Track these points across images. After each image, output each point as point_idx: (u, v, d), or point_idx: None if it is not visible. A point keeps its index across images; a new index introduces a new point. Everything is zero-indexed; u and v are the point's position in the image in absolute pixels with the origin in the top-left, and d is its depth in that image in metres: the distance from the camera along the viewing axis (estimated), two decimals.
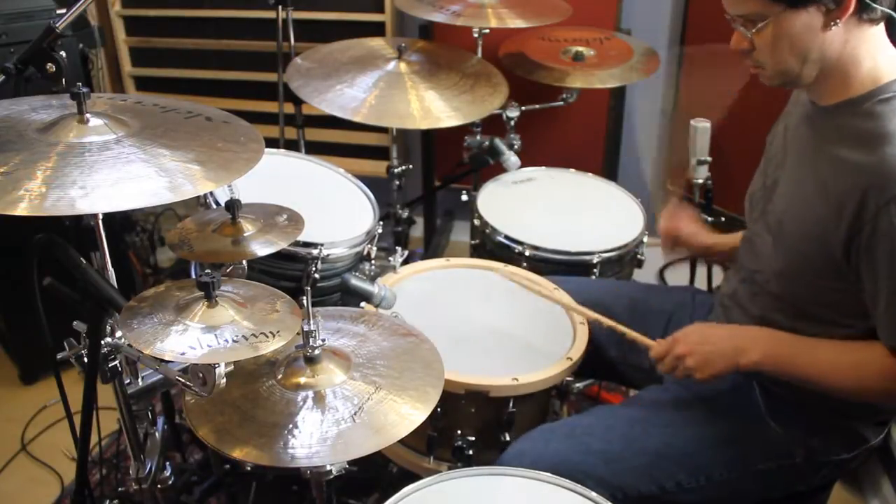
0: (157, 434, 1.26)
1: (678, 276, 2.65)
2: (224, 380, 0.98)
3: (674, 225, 1.61)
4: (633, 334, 1.39)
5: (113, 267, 1.14)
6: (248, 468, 1.10)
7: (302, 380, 1.17)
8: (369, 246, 1.73)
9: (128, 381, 1.18)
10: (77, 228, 1.11)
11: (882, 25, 1.14)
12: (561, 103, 2.32)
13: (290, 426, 1.10)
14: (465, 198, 2.12)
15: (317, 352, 1.17)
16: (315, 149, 2.58)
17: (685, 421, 1.34)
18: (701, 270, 2.23)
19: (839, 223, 1.13)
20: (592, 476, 1.24)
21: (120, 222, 2.70)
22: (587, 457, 1.27)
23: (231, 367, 0.99)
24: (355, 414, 1.11)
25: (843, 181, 1.13)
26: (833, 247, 1.16)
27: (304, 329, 1.14)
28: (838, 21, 1.10)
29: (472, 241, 2.04)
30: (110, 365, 1.11)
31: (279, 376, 1.19)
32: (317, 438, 1.08)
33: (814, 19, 1.11)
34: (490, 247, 1.92)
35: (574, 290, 1.59)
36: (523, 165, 2.19)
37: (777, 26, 1.13)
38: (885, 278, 1.11)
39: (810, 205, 1.19)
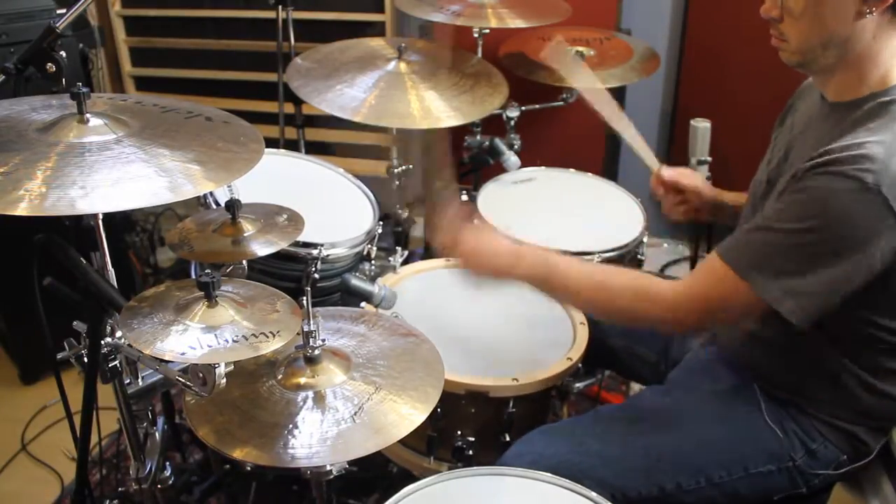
0: (157, 434, 1.26)
1: (678, 276, 2.65)
2: (224, 380, 0.98)
3: (675, 177, 1.58)
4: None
5: (113, 267, 1.14)
6: (248, 468, 1.10)
7: (302, 380, 1.17)
8: (369, 246, 1.73)
9: (128, 381, 1.17)
10: (77, 228, 1.10)
11: None
12: (561, 103, 2.32)
13: (290, 426, 1.10)
14: (465, 198, 2.12)
15: (317, 352, 1.17)
16: (315, 149, 2.58)
17: (685, 422, 1.33)
18: None
19: None
20: (592, 477, 1.23)
21: (120, 222, 2.70)
22: (586, 458, 1.27)
23: (231, 367, 0.99)
24: (355, 414, 1.11)
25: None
26: None
27: (304, 329, 1.14)
28: (873, 10, 1.09)
29: None
30: (110, 365, 1.11)
31: (279, 376, 1.19)
32: (317, 438, 1.08)
33: (849, 1, 1.09)
34: None
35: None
36: (523, 165, 2.18)
37: None
38: (767, 214, 1.14)
39: None
